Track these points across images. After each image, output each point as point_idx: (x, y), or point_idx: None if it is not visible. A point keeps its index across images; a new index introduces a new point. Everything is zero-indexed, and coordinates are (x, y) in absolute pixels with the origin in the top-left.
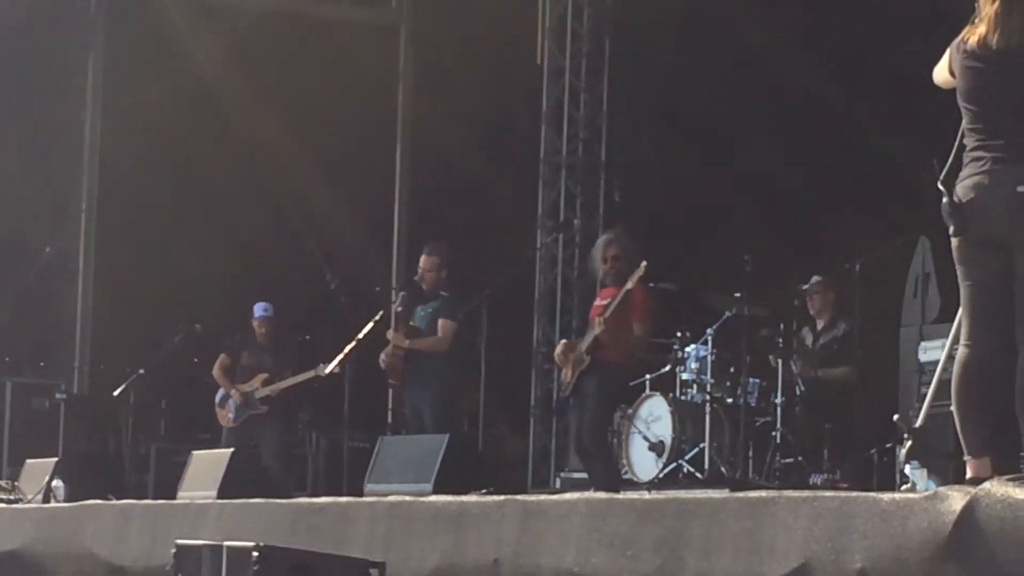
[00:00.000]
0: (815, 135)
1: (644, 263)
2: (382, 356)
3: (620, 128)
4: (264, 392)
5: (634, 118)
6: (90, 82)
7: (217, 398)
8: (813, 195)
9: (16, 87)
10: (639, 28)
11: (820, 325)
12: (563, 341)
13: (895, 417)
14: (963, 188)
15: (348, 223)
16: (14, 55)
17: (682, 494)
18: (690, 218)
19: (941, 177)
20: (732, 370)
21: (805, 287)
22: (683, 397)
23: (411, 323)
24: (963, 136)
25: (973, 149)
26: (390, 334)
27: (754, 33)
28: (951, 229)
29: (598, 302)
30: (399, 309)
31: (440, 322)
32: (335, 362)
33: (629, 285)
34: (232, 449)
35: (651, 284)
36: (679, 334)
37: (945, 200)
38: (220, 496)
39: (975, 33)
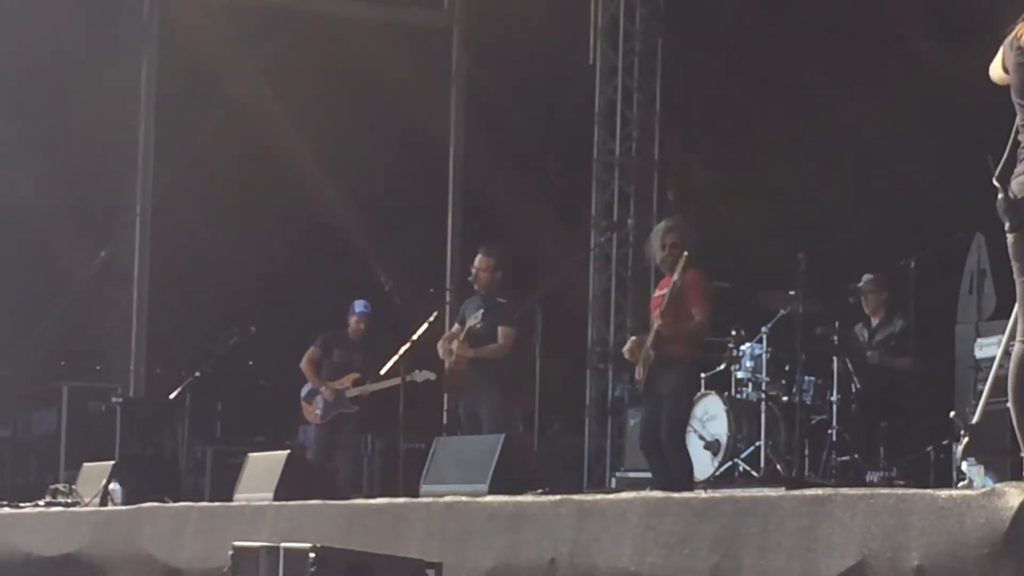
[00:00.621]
0: (869, 133)
1: (686, 253)
2: (440, 344)
3: (673, 127)
4: (355, 392)
5: (687, 117)
6: (143, 87)
7: (304, 392)
8: (869, 192)
9: (70, 92)
10: (691, 26)
11: (875, 322)
12: (632, 338)
13: (951, 414)
14: (1018, 184)
15: (402, 225)
16: (68, 60)
17: (738, 493)
18: (744, 216)
19: (996, 173)
20: (787, 368)
21: (859, 285)
22: (738, 395)
23: (470, 324)
24: (1017, 132)
25: None
26: (454, 344)
27: (810, 27)
28: (1007, 225)
29: (658, 292)
30: (478, 325)
31: (500, 329)
32: (427, 372)
33: (675, 277)
34: (288, 451)
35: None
36: (734, 332)
37: (1000, 196)
38: (276, 498)
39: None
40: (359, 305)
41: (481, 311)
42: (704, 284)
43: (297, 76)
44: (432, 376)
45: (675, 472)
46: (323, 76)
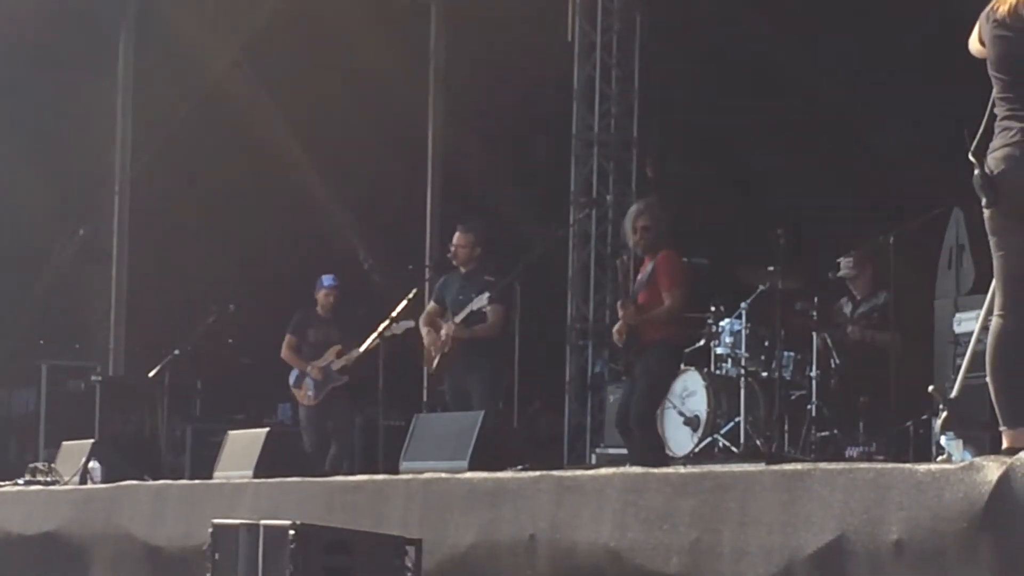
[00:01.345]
0: (848, 108)
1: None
2: (422, 322)
3: (651, 104)
4: (341, 363)
5: (665, 93)
6: (121, 63)
7: (291, 379)
8: (847, 168)
9: (47, 70)
10: (670, 3)
11: (859, 296)
12: (616, 327)
13: (930, 388)
14: (994, 159)
15: (381, 202)
16: (45, 38)
17: (717, 468)
18: (723, 192)
19: (972, 148)
20: (767, 344)
21: (840, 274)
22: (718, 371)
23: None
24: (994, 105)
25: (1003, 119)
26: (447, 327)
27: (786, 4)
28: (983, 201)
29: (640, 277)
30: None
31: (490, 308)
32: (406, 322)
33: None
34: (268, 428)
35: (684, 259)
36: (713, 308)
37: (977, 172)
38: (256, 475)
39: (1005, 3)
40: (326, 280)
41: (486, 295)
42: (674, 266)
43: (275, 54)
44: (411, 324)
45: (644, 452)
46: (302, 53)
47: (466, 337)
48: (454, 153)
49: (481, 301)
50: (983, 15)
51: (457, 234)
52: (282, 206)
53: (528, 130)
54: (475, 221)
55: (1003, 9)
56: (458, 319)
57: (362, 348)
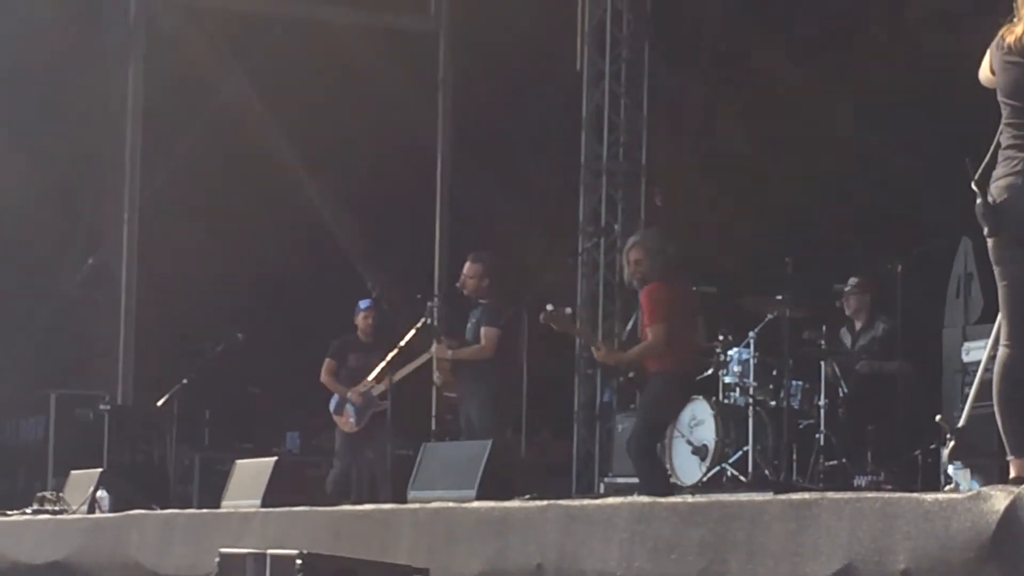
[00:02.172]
0: (857, 136)
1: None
2: (436, 374)
3: (660, 132)
4: (381, 388)
5: (674, 122)
6: (130, 92)
7: (332, 405)
8: (856, 196)
9: (57, 97)
10: (678, 32)
11: (858, 326)
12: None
13: (938, 418)
14: (997, 188)
15: (390, 231)
16: (55, 65)
17: (725, 497)
18: (731, 221)
19: (975, 177)
20: (775, 373)
21: (845, 288)
22: (726, 400)
23: (468, 337)
24: (1000, 134)
25: (1008, 147)
26: (435, 348)
27: (798, 31)
28: (985, 230)
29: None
30: (432, 322)
31: (483, 330)
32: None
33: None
34: (276, 457)
35: (694, 288)
36: (721, 337)
37: (979, 201)
38: (264, 504)
39: (1013, 32)
40: (363, 303)
41: (473, 319)
42: (656, 300)
43: (284, 82)
44: (431, 354)
45: (644, 482)
46: (310, 82)
47: (449, 357)
48: (463, 181)
49: (428, 356)
50: (993, 44)
51: (467, 265)
52: (291, 235)
53: (537, 159)
54: (484, 252)
55: (1011, 38)
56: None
57: (404, 371)
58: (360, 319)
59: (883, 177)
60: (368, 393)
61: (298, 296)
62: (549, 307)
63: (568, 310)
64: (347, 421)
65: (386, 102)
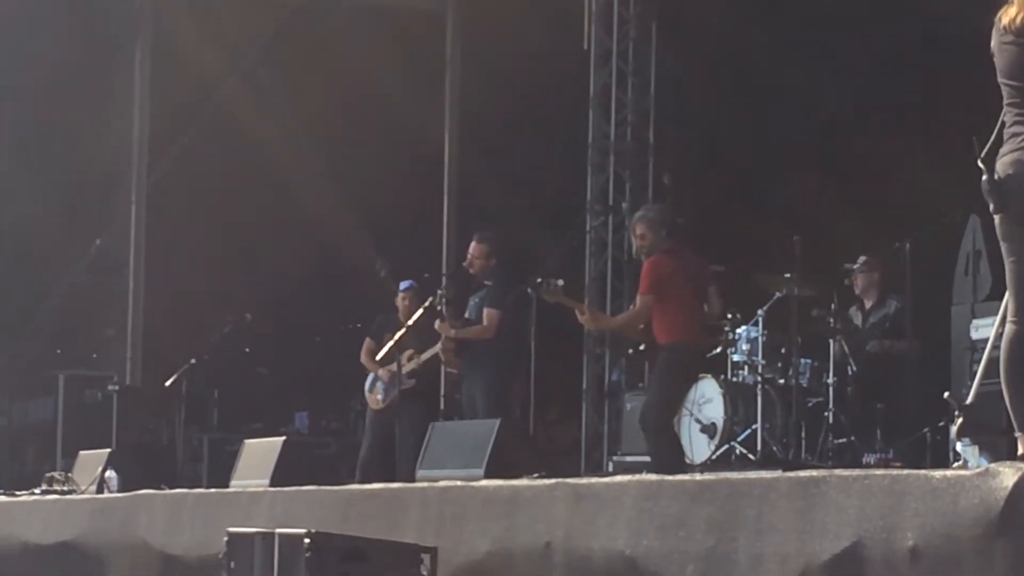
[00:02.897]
0: (865, 114)
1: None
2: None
3: (668, 111)
4: (410, 366)
5: (681, 101)
6: (137, 73)
7: (367, 384)
8: (863, 174)
9: (65, 81)
10: (686, 10)
11: (868, 304)
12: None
13: (946, 395)
14: (1002, 165)
15: (396, 210)
16: (62, 50)
17: (733, 475)
18: (740, 199)
19: (981, 155)
20: (783, 351)
21: (853, 267)
22: (735, 379)
23: (466, 315)
24: (1005, 113)
25: (1012, 125)
26: (438, 325)
27: (803, 10)
28: (991, 206)
29: None
30: (440, 304)
31: (485, 311)
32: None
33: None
34: (284, 437)
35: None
36: (730, 315)
37: (985, 178)
38: (273, 484)
39: (1008, 13)
40: (402, 284)
41: (438, 346)
42: (649, 272)
43: (290, 66)
44: (437, 350)
45: (657, 455)
46: (315, 66)
47: (452, 336)
48: (470, 161)
49: (433, 351)
50: (994, 24)
51: (473, 244)
52: (298, 216)
53: (544, 138)
54: (490, 232)
55: (1006, 20)
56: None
57: (428, 354)
58: (399, 300)
59: (890, 154)
60: (396, 371)
61: (306, 276)
62: (539, 279)
63: (560, 281)
64: (375, 398)
65: (393, 84)
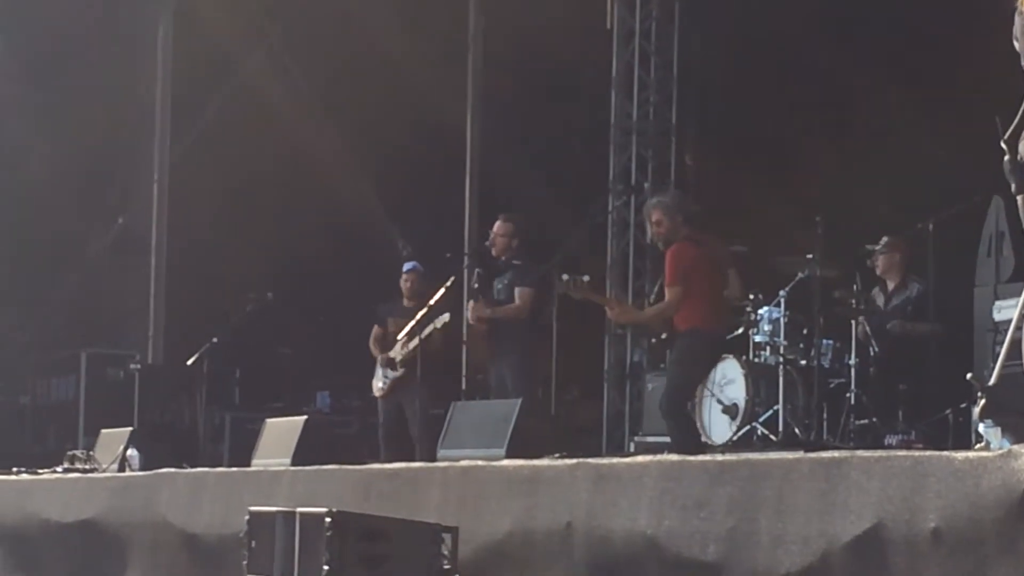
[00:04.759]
0: (889, 95)
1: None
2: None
3: (690, 91)
4: (400, 355)
5: (705, 81)
6: (159, 54)
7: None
8: (886, 155)
9: (87, 61)
10: None
11: (891, 286)
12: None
13: (969, 376)
14: None
15: (418, 189)
16: (84, 29)
17: (754, 456)
18: (762, 180)
19: (1005, 136)
20: (805, 332)
21: (876, 248)
22: (756, 359)
23: (495, 297)
24: None
25: None
26: (472, 306)
27: None
28: (1013, 187)
29: None
30: (475, 284)
31: (517, 290)
32: (443, 316)
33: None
34: (306, 417)
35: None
36: (751, 296)
37: (1007, 158)
38: (294, 463)
39: None
40: (405, 265)
41: (447, 315)
42: (674, 263)
43: (312, 43)
44: (448, 318)
45: (676, 438)
46: (338, 42)
47: (487, 316)
48: (492, 140)
49: (444, 319)
50: (1016, 11)
51: (498, 223)
52: (320, 194)
53: (567, 118)
54: (515, 214)
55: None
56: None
57: (413, 342)
58: (401, 282)
59: (913, 135)
60: (393, 359)
61: (328, 255)
62: (565, 276)
63: (586, 277)
64: (377, 385)
65: (415, 62)
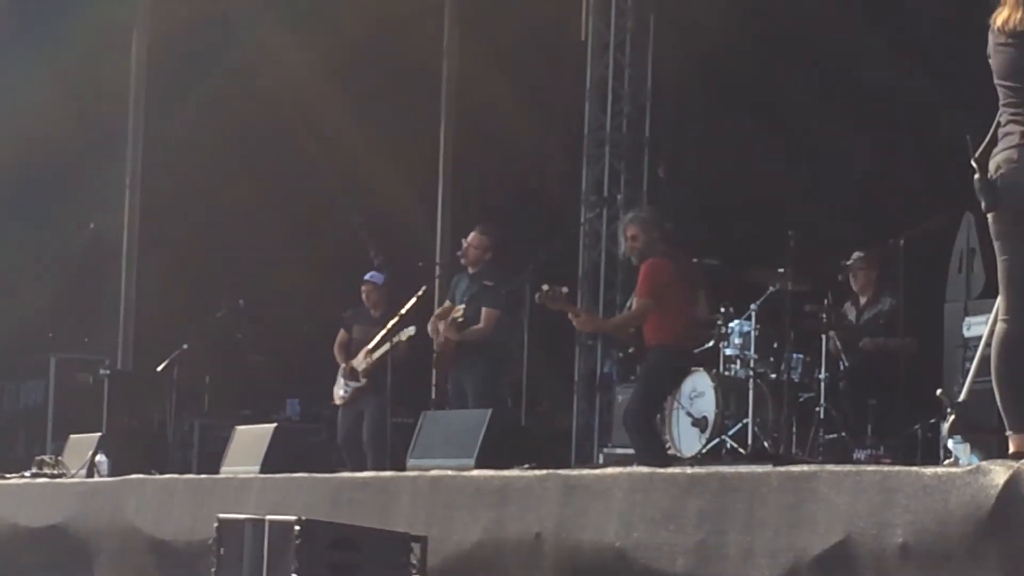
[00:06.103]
0: (861, 111)
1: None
2: (430, 324)
3: (664, 104)
4: (363, 364)
5: (679, 94)
6: (134, 55)
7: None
8: (858, 171)
9: (60, 61)
10: (683, 4)
11: (863, 300)
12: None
13: (939, 392)
14: (995, 163)
15: (392, 199)
16: (59, 28)
17: (724, 469)
18: (734, 193)
19: (975, 155)
20: (776, 345)
21: (848, 263)
22: (727, 373)
23: (459, 304)
24: (1000, 114)
25: (1006, 125)
26: (443, 327)
27: (800, 6)
28: (983, 205)
29: None
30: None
31: (484, 311)
32: (409, 329)
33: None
34: (275, 424)
35: (695, 260)
36: (722, 309)
37: (977, 176)
38: (263, 471)
39: (1000, 15)
40: (367, 276)
41: (465, 300)
42: (649, 276)
43: (288, 48)
44: (413, 331)
45: (639, 452)
46: (320, 46)
47: (456, 340)
48: (465, 151)
49: (409, 332)
50: (990, 28)
51: (472, 234)
52: (293, 203)
53: (540, 129)
54: (493, 226)
55: (999, 21)
56: (448, 321)
57: (377, 353)
58: (363, 290)
59: (885, 151)
60: (354, 369)
61: (299, 263)
62: (545, 287)
63: (564, 289)
64: (338, 393)
65: (389, 72)
